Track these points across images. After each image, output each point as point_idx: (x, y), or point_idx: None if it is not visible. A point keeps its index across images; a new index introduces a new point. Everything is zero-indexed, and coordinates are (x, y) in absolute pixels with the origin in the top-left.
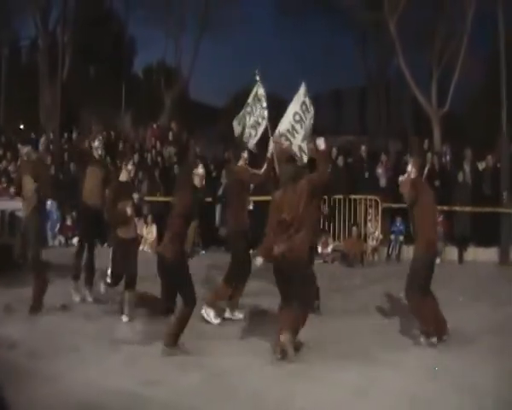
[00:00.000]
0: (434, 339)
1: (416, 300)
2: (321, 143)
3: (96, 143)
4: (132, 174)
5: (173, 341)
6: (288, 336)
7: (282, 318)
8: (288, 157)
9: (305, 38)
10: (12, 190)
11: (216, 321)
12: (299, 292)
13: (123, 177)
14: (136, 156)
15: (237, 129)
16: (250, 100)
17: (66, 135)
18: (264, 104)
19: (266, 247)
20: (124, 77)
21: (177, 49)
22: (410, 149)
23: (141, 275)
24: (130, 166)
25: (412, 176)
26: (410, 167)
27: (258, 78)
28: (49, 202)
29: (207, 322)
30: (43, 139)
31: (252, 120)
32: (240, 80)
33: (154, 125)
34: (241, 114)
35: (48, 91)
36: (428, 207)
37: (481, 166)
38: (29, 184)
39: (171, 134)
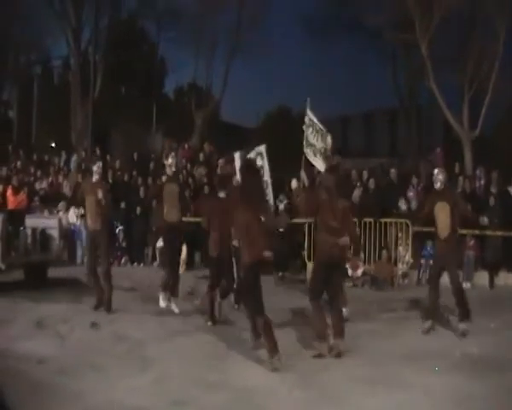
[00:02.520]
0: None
1: None
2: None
3: (170, 161)
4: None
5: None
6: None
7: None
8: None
9: (335, 59)
10: (60, 207)
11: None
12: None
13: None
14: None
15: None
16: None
17: (98, 152)
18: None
19: None
20: (155, 97)
21: (208, 71)
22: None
23: None
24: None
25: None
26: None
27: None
28: (78, 221)
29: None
30: (74, 158)
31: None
32: (270, 102)
33: (186, 146)
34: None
35: (79, 110)
36: None
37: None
38: (93, 203)
39: (202, 155)
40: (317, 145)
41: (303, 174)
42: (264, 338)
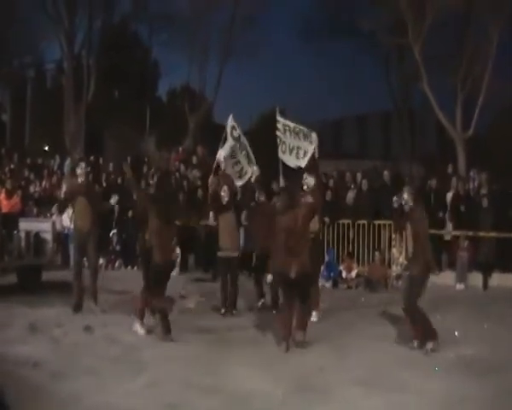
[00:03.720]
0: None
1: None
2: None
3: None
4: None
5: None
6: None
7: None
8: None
9: (329, 62)
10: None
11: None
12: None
13: None
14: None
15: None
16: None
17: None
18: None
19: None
20: (148, 100)
21: (201, 73)
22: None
23: None
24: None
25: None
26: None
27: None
28: (72, 225)
29: (232, 347)
30: (68, 161)
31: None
32: (264, 104)
33: (180, 149)
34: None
35: (73, 114)
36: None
37: (499, 188)
38: (84, 204)
39: (195, 158)
40: (296, 144)
41: (281, 180)
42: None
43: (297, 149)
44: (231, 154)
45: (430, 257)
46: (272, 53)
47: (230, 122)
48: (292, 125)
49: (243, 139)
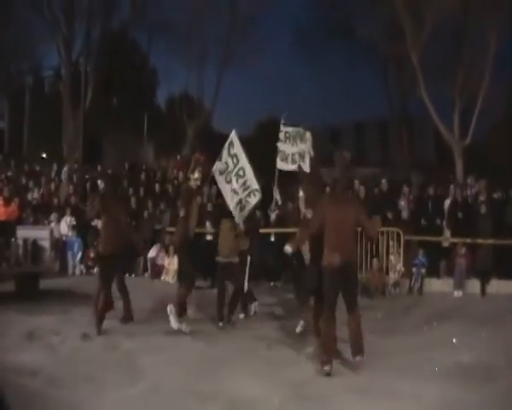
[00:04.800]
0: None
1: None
2: None
3: (197, 175)
4: None
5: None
6: None
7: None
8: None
9: (326, 69)
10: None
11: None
12: None
13: None
14: (157, 187)
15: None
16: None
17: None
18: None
19: None
20: (146, 108)
21: (200, 81)
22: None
23: None
24: None
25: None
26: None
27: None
28: (69, 232)
29: (230, 354)
30: (65, 169)
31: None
32: (262, 111)
33: (178, 157)
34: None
35: (70, 121)
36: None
37: (497, 195)
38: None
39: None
40: (295, 150)
41: (276, 192)
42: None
43: (293, 154)
44: (223, 172)
45: None
46: (270, 61)
47: (231, 137)
48: (290, 129)
49: (241, 161)
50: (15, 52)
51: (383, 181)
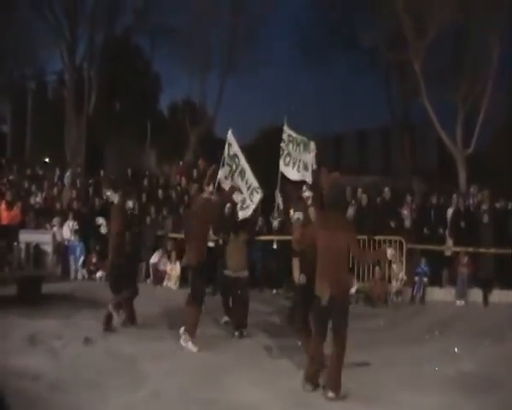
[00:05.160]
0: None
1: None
2: None
3: (211, 188)
4: None
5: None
6: None
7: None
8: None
9: (329, 77)
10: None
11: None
12: None
13: None
14: (160, 193)
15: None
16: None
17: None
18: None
19: None
20: (149, 114)
21: (202, 87)
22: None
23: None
24: None
25: None
26: None
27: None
28: (72, 237)
29: (232, 361)
30: (68, 173)
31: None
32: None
33: (181, 163)
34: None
35: (73, 126)
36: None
37: (499, 205)
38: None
39: (195, 171)
40: (298, 157)
41: (278, 196)
42: None
43: (298, 161)
44: (228, 175)
45: None
46: (272, 68)
47: (228, 138)
48: (295, 135)
49: (241, 160)
50: (18, 57)
51: (386, 190)
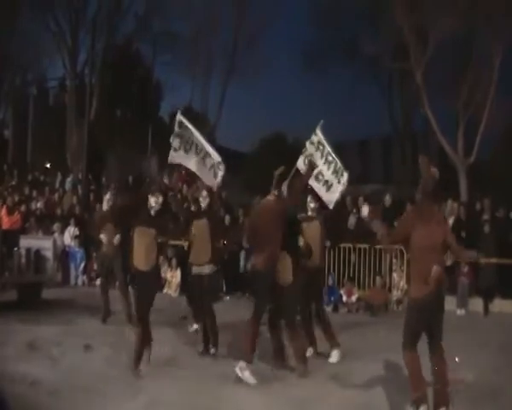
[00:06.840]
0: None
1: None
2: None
3: (205, 194)
4: None
5: None
6: None
7: None
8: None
9: (330, 86)
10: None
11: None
12: None
13: None
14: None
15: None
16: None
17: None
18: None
19: None
20: (150, 121)
21: (204, 95)
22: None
23: None
24: None
25: None
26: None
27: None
28: (72, 243)
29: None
30: (69, 179)
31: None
32: (266, 126)
33: (183, 171)
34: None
35: (75, 132)
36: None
37: (499, 214)
38: (111, 230)
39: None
40: (322, 169)
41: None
42: None
43: (321, 175)
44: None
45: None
46: (273, 76)
47: (177, 118)
48: (328, 148)
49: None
50: (20, 63)
51: (386, 198)
